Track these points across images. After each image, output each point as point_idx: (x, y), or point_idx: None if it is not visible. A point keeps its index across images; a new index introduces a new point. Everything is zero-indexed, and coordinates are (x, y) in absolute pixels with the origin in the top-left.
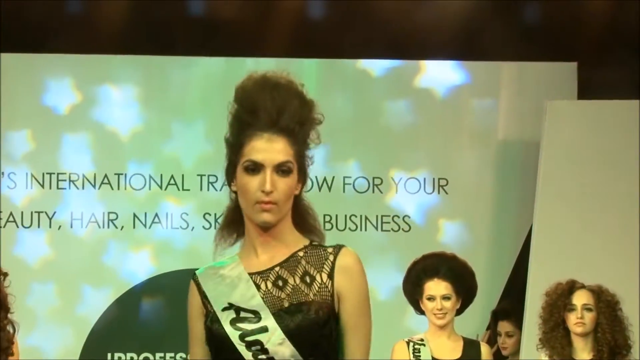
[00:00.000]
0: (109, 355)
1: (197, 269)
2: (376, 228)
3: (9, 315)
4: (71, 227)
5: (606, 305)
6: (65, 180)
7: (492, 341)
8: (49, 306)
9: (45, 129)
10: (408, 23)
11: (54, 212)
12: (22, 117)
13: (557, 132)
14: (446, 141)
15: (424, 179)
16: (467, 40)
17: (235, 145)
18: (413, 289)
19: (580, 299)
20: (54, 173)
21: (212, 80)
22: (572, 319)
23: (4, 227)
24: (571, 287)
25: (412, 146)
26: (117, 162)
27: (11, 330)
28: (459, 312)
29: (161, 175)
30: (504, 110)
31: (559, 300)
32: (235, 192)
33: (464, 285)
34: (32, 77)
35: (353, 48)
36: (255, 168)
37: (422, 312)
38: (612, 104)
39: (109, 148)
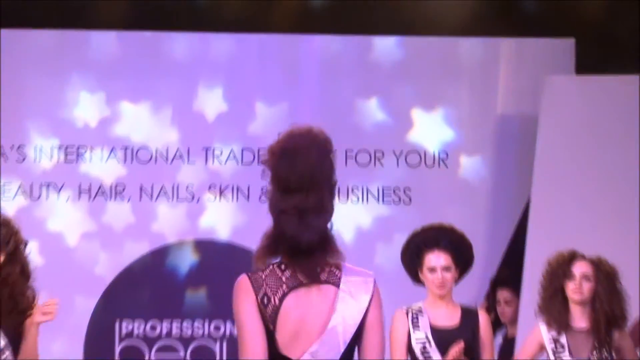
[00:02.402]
0: (117, 322)
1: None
2: (377, 200)
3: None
4: (79, 198)
5: (605, 276)
6: (72, 153)
7: (489, 310)
8: None
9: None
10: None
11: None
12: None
13: (555, 107)
14: (446, 120)
15: (424, 152)
16: (465, 16)
17: None
18: (412, 260)
19: (579, 268)
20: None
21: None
22: (570, 287)
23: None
24: (572, 256)
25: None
26: (130, 133)
27: (31, 296)
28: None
29: (167, 148)
30: (502, 86)
31: (560, 268)
32: None
33: (463, 256)
34: (34, 53)
35: (356, 25)
36: None
37: (419, 282)
38: (610, 80)
39: (116, 121)
